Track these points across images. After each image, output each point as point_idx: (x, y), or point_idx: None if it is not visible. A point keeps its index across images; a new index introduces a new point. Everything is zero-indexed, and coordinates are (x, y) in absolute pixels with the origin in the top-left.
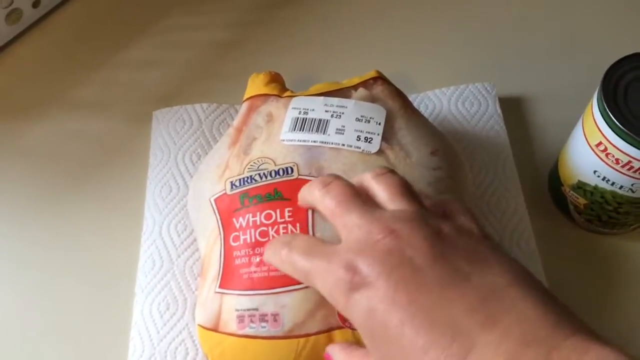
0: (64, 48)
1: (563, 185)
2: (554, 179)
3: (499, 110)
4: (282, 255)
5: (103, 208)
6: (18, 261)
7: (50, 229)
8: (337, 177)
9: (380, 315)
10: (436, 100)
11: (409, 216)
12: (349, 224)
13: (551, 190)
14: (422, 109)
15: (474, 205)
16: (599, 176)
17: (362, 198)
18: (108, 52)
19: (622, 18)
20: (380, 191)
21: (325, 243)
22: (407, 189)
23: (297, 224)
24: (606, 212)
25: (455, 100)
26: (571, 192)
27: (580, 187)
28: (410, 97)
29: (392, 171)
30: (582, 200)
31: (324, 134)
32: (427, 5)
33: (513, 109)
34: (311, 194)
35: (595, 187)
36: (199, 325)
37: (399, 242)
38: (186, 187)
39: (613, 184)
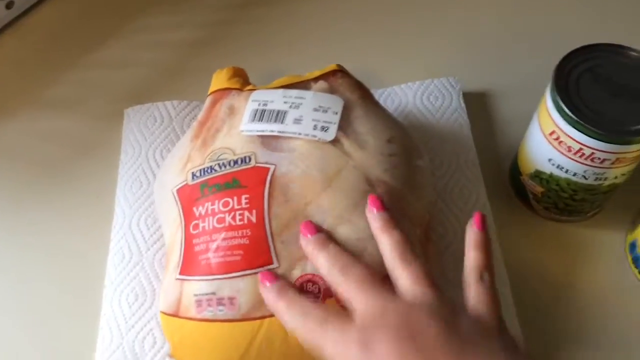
0: (37, 49)
1: (522, 174)
2: (514, 169)
3: (463, 104)
4: (297, 321)
5: (75, 203)
6: None
7: (24, 223)
8: (353, 263)
9: None
10: (402, 95)
11: (428, 307)
12: (365, 301)
13: (511, 180)
14: (388, 103)
15: (439, 196)
16: (553, 164)
17: (381, 282)
18: (80, 53)
19: (581, 17)
20: (404, 277)
21: (340, 315)
22: (430, 276)
23: (254, 210)
24: (562, 199)
25: (421, 94)
26: (529, 180)
27: (537, 175)
28: (377, 92)
29: (416, 256)
30: (539, 189)
31: (282, 123)
32: (394, 3)
33: (477, 103)
34: (316, 260)
35: (551, 175)
36: (161, 311)
37: (413, 330)
38: None
39: (567, 171)
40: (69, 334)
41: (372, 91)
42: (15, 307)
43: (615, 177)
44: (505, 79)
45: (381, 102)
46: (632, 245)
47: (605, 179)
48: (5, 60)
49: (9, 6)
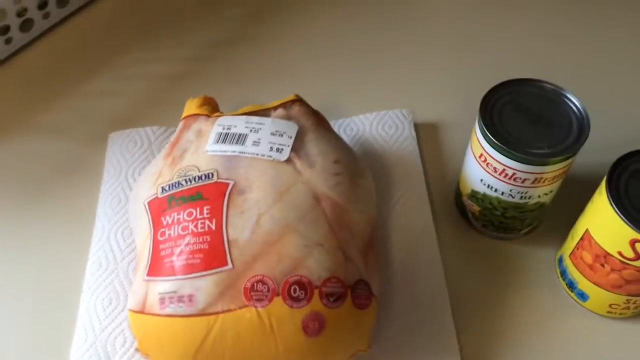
0: (32, 81)
1: (463, 195)
2: (457, 191)
3: (414, 134)
4: None
5: (60, 217)
6: None
7: (14, 233)
8: None
9: None
10: (360, 124)
11: None
12: None
13: (456, 201)
14: (347, 132)
15: (387, 215)
16: (485, 184)
17: None
18: (72, 84)
19: (518, 55)
20: None
21: None
22: None
23: (214, 220)
24: (496, 217)
25: (376, 124)
26: (468, 200)
27: (473, 195)
28: (338, 122)
29: None
30: (476, 207)
31: (242, 145)
32: (357, 44)
33: (429, 133)
34: None
35: (484, 195)
36: (129, 309)
37: None
38: None
39: (496, 190)
40: (49, 334)
41: (333, 121)
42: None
43: (539, 196)
44: (454, 111)
45: (340, 130)
46: (560, 260)
47: (530, 197)
48: (2, 91)
49: (7, 42)
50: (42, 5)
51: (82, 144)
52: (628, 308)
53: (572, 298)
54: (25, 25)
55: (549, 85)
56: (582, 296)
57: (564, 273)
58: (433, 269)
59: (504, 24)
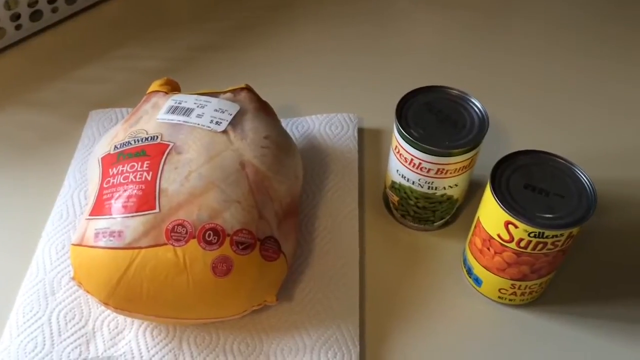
0: (34, 63)
1: (386, 187)
2: (384, 185)
3: (356, 134)
4: None
5: (36, 175)
6: None
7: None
8: None
9: None
10: (311, 123)
11: None
12: None
13: (383, 195)
14: (298, 129)
15: (320, 199)
16: (399, 174)
17: None
18: (68, 70)
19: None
20: None
21: None
22: None
23: (150, 172)
24: (411, 207)
25: (325, 124)
26: (389, 191)
27: (393, 186)
28: (292, 119)
29: None
30: (395, 198)
31: (187, 116)
32: (322, 52)
33: (373, 137)
34: None
35: (400, 185)
36: (71, 244)
37: None
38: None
39: (408, 179)
40: (9, 265)
41: (289, 119)
42: None
43: (445, 188)
44: None
45: (294, 128)
46: (465, 259)
47: (436, 188)
48: (7, 70)
49: (17, 28)
50: (51, 0)
51: (66, 119)
52: (515, 294)
53: (470, 284)
54: (35, 16)
55: (454, 91)
56: (477, 281)
57: (465, 261)
58: (349, 246)
59: (447, 43)
